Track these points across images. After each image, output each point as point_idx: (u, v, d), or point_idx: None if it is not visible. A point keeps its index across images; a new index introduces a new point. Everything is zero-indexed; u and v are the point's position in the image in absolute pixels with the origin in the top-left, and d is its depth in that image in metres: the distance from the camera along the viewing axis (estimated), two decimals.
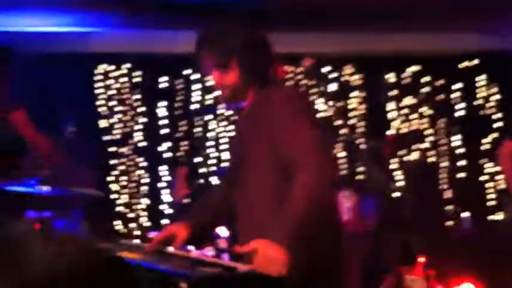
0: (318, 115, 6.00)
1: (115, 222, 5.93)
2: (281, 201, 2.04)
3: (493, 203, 6.04)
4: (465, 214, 6.01)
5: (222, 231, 3.89)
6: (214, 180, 5.95)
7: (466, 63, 6.15)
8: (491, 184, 6.07)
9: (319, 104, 6.01)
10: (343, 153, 5.78)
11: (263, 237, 1.91)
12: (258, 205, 2.18)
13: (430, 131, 6.15)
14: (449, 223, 6.01)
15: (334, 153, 5.76)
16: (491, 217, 6.02)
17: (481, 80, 6.15)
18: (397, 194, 5.77)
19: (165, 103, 6.05)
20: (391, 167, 5.87)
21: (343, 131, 6.05)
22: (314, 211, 1.95)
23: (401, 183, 5.87)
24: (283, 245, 1.87)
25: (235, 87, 2.26)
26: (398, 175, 5.91)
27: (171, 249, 2.23)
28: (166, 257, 2.10)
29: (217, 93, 2.36)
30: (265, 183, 2.16)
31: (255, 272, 1.84)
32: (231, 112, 5.52)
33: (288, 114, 2.12)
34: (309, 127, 2.10)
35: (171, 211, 5.87)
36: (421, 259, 3.62)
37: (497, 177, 6.04)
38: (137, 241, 2.47)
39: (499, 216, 5.98)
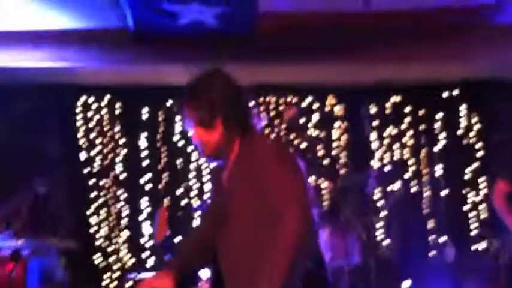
0: (301, 146, 6.01)
1: (95, 256, 5.84)
2: (265, 249, 2.02)
3: (476, 232, 6.04)
4: (448, 243, 5.99)
5: (204, 273, 3.81)
6: (196, 213, 5.89)
7: (447, 93, 6.18)
8: (474, 213, 6.07)
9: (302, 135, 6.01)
10: (326, 185, 5.76)
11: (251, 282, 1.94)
12: (243, 255, 2.15)
13: (412, 160, 6.15)
14: (433, 252, 5.99)
15: (317, 186, 5.74)
16: (474, 247, 6.00)
17: (463, 109, 6.18)
18: (380, 224, 5.77)
19: (146, 134, 6.00)
20: (375, 197, 5.85)
21: (326, 162, 6.05)
22: (296, 260, 1.99)
23: (384, 214, 5.85)
24: None
25: (219, 144, 2.24)
26: (382, 206, 5.90)
27: None
28: None
29: (199, 148, 2.30)
30: (249, 233, 2.14)
31: None
32: None
33: (270, 165, 2.12)
34: (291, 178, 2.11)
35: (151, 244, 5.79)
36: None
37: (480, 207, 6.05)
38: None
39: (482, 245, 5.98)
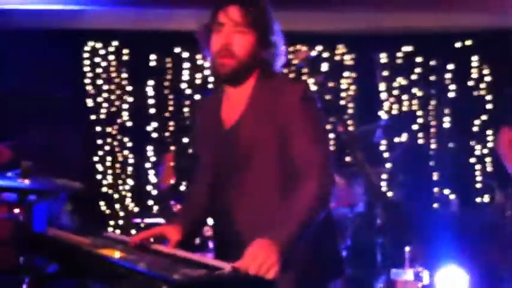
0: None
1: (100, 203, 5.89)
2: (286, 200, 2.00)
3: (480, 185, 6.03)
4: (453, 196, 6.01)
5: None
6: None
7: (459, 44, 6.08)
8: (480, 166, 6.05)
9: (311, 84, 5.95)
10: (333, 136, 5.73)
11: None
12: (264, 204, 2.08)
13: (421, 112, 6.11)
14: (437, 205, 6.01)
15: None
16: (478, 199, 6.02)
17: (474, 60, 6.09)
18: (385, 176, 5.77)
19: (153, 82, 5.96)
20: (381, 148, 5.84)
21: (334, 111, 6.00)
22: (315, 219, 1.97)
23: (390, 165, 5.84)
24: (282, 245, 1.83)
25: (246, 55, 2.08)
26: (388, 157, 5.89)
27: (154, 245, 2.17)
28: (149, 255, 2.04)
29: (217, 62, 2.10)
30: (272, 181, 2.07)
31: (241, 273, 1.79)
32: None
33: (303, 115, 2.02)
34: (322, 133, 2.07)
35: (156, 192, 5.83)
36: (407, 248, 3.63)
37: (486, 160, 6.03)
38: (119, 234, 2.38)
39: (486, 198, 5.98)
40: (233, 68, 2.08)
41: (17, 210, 3.54)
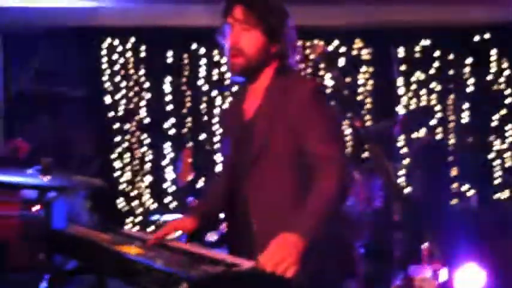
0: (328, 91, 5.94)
1: (118, 200, 5.92)
2: (300, 198, 2.00)
3: (499, 181, 5.98)
4: (471, 192, 5.96)
5: None
6: (219, 157, 5.91)
7: (477, 37, 6.02)
8: (498, 162, 6.00)
9: (328, 79, 5.93)
10: (350, 131, 5.71)
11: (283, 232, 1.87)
12: (277, 202, 2.09)
13: (439, 107, 6.06)
14: (455, 201, 5.96)
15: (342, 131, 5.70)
16: (497, 195, 5.96)
17: (493, 54, 6.03)
18: (403, 172, 5.74)
19: (170, 79, 5.97)
20: (399, 144, 5.80)
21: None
22: (331, 216, 1.98)
23: (408, 161, 5.81)
24: (303, 240, 1.84)
25: (256, 52, 2.13)
26: (406, 152, 5.85)
27: (172, 240, 2.18)
28: (167, 252, 2.05)
29: (229, 62, 2.16)
30: (286, 178, 2.09)
31: (259, 270, 1.79)
32: (237, 88, 5.43)
33: (315, 111, 2.05)
34: (335, 129, 2.08)
35: (174, 189, 5.85)
36: (425, 245, 3.60)
37: (505, 155, 5.97)
38: (137, 231, 2.40)
39: (506, 194, 5.93)
40: (243, 66, 2.15)
41: (37, 207, 3.58)
